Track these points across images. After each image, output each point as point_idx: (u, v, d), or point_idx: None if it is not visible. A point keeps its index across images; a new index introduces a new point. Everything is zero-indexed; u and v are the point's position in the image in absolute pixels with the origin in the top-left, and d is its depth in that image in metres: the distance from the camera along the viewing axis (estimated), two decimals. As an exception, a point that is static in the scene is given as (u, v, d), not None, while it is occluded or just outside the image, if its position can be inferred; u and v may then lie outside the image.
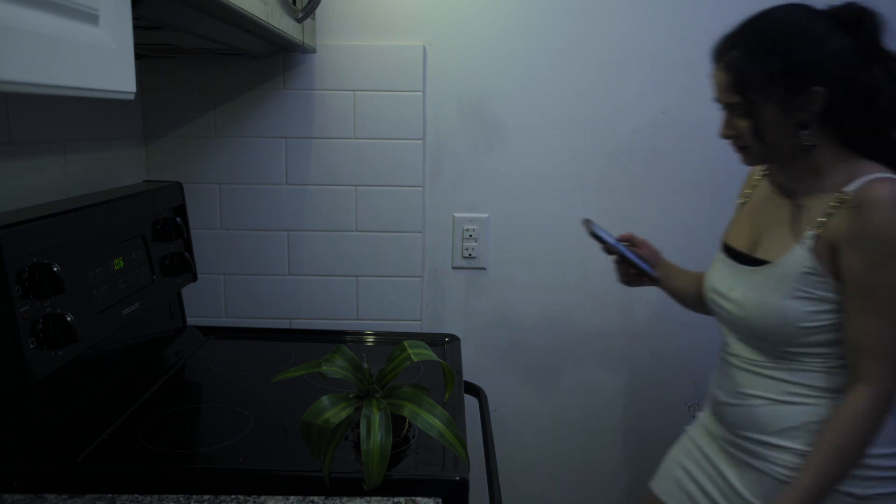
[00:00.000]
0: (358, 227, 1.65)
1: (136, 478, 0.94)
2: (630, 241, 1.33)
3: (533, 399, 1.77)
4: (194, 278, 1.46)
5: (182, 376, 1.37)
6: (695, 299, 1.30)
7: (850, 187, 0.99)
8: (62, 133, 1.27)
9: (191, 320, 1.56)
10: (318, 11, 1.44)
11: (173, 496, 0.92)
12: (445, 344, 1.56)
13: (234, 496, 0.92)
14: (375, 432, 0.87)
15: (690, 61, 1.59)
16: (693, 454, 1.25)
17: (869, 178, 0.99)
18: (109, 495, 0.92)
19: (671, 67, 1.61)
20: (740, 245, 1.16)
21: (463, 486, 0.95)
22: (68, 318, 0.95)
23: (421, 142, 1.61)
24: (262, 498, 0.92)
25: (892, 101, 1.00)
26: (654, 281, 1.32)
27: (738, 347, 1.14)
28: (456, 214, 1.67)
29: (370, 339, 1.60)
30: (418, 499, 0.93)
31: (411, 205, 1.64)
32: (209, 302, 1.66)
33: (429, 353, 1.00)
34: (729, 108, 1.07)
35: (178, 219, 1.40)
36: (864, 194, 0.97)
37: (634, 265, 1.29)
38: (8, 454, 0.93)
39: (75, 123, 1.31)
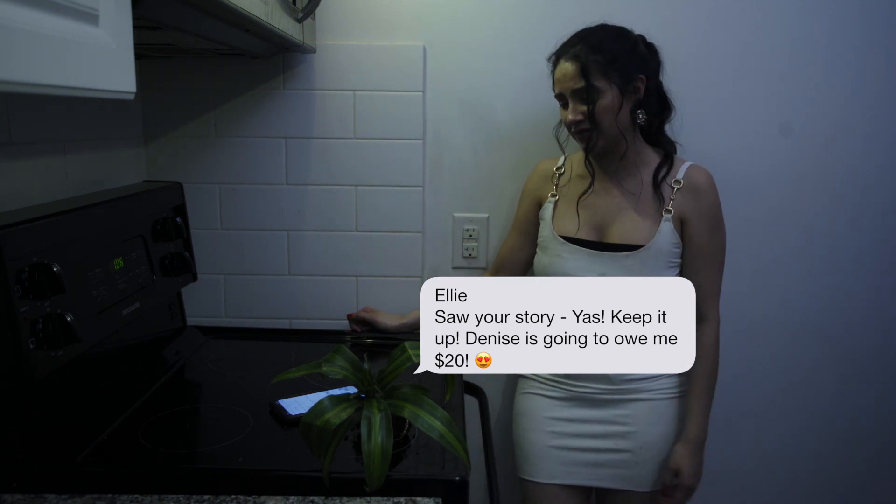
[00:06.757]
0: (358, 227, 1.65)
1: (136, 478, 0.94)
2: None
3: (533, 399, 1.76)
4: (194, 278, 1.46)
5: (182, 376, 1.37)
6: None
7: (679, 175, 1.33)
8: (62, 133, 1.27)
9: (191, 320, 1.56)
10: (318, 11, 1.43)
11: (173, 496, 0.92)
12: (445, 344, 1.55)
13: (234, 496, 0.92)
14: (376, 434, 0.87)
15: (690, 60, 1.59)
16: (551, 428, 1.39)
17: (687, 166, 1.35)
18: (109, 495, 0.91)
19: (671, 67, 1.61)
20: (585, 236, 1.36)
21: (463, 486, 0.95)
22: (68, 318, 0.95)
23: (421, 142, 1.61)
24: (262, 498, 0.92)
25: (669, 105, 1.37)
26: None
27: None
28: (456, 214, 1.67)
29: (370, 339, 1.60)
30: (418, 499, 0.93)
31: (411, 205, 1.64)
32: (209, 302, 1.66)
33: (429, 354, 1.00)
34: (574, 95, 1.29)
35: (178, 219, 1.40)
36: (694, 179, 1.33)
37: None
38: (8, 454, 0.93)
39: (75, 123, 1.31)
